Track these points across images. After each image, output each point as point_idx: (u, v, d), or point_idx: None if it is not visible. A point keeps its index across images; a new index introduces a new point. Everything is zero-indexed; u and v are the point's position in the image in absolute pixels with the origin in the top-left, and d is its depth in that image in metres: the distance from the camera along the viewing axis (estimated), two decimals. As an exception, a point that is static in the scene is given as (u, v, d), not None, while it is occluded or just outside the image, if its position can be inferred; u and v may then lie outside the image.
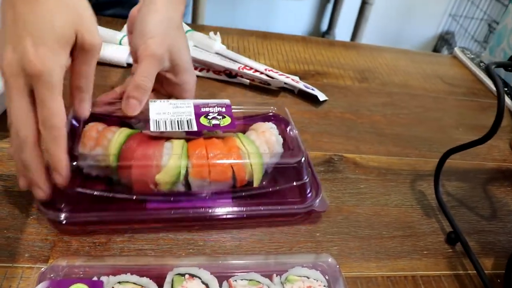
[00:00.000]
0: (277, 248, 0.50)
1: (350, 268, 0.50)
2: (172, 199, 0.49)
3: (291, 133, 0.59)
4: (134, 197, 0.48)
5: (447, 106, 0.88)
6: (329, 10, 2.69)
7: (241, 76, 0.77)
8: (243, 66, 0.78)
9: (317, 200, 0.53)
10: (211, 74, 0.78)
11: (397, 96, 0.86)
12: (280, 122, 0.60)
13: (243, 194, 0.51)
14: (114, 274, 0.40)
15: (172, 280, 0.40)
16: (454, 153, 0.59)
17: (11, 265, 0.43)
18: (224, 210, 0.50)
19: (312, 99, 0.78)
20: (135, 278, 0.40)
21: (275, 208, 0.52)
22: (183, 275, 0.41)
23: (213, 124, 0.52)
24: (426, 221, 0.59)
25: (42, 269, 0.40)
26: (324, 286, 0.43)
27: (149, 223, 0.49)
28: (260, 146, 0.52)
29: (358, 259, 0.51)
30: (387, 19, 2.71)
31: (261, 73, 0.77)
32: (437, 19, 2.83)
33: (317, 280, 0.43)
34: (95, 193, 0.47)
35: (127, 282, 0.40)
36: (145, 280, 0.40)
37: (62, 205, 0.46)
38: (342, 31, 2.65)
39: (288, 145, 0.57)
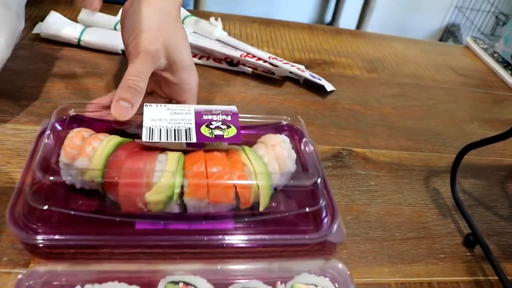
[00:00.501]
0: (281, 252, 0.45)
1: (360, 273, 0.46)
2: (162, 222, 0.43)
3: (306, 148, 0.51)
4: (118, 219, 0.42)
5: (460, 98, 0.83)
6: (333, 1, 2.63)
7: (243, 65, 0.73)
8: (245, 53, 0.73)
9: (334, 228, 0.45)
10: (211, 62, 0.73)
11: (408, 87, 0.82)
12: (294, 134, 0.53)
13: (246, 219, 0.45)
14: (100, 282, 0.36)
15: (165, 289, 0.36)
16: (473, 149, 0.54)
17: (-13, 269, 0.39)
18: (224, 238, 0.43)
19: (318, 90, 0.73)
20: (123, 286, 0.36)
21: (283, 238, 0.44)
22: (177, 283, 0.37)
23: (215, 135, 0.46)
24: (442, 222, 0.54)
25: (20, 275, 0.36)
26: (334, 295, 0.39)
27: (136, 248, 0.43)
28: (269, 164, 0.46)
29: (370, 264, 0.47)
30: (392, 10, 2.65)
31: (265, 61, 0.73)
32: (442, 11, 2.77)
33: (326, 289, 0.39)
34: (72, 212, 0.42)
35: (114, 291, 0.35)
36: (134, 289, 0.36)
37: (36, 225, 0.40)
38: (347, 22, 2.59)
39: (302, 162, 0.50)
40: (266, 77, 0.73)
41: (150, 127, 0.45)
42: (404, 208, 0.55)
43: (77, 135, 0.44)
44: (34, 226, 0.40)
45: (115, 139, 0.45)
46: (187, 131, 0.45)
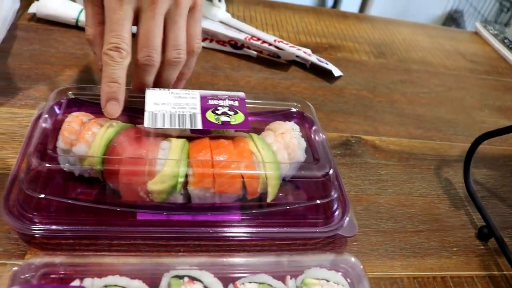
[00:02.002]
0: (289, 245, 0.43)
1: (372, 267, 0.44)
2: (165, 212, 0.41)
3: (316, 136, 0.49)
4: (119, 209, 0.40)
5: (470, 85, 0.81)
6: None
7: (248, 48, 0.70)
8: (250, 36, 0.70)
9: (345, 221, 0.43)
10: (214, 45, 0.70)
11: (417, 73, 0.79)
12: (304, 121, 0.51)
13: (254, 211, 0.43)
14: (100, 276, 0.34)
15: (169, 284, 0.34)
16: (489, 138, 0.52)
17: (-20, 261, 0.37)
18: (230, 230, 0.41)
19: (325, 75, 0.71)
20: (124, 280, 0.34)
21: (293, 231, 0.42)
22: (181, 277, 0.35)
23: (222, 122, 0.43)
24: (455, 213, 0.52)
25: (15, 268, 0.34)
26: (346, 291, 0.37)
27: (137, 239, 0.40)
28: (278, 152, 0.43)
29: (381, 257, 0.45)
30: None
31: (270, 44, 0.70)
32: (446, -4, 2.72)
33: (338, 284, 0.37)
34: (70, 201, 0.40)
35: (115, 285, 0.33)
36: (136, 283, 0.34)
37: (33, 215, 0.38)
38: (348, 6, 2.55)
39: (313, 151, 0.47)
40: (271, 61, 0.71)
41: (152, 112, 0.43)
42: (415, 198, 0.53)
43: (75, 120, 0.42)
44: (30, 215, 0.38)
45: (116, 124, 0.42)
46: (192, 117, 0.43)
